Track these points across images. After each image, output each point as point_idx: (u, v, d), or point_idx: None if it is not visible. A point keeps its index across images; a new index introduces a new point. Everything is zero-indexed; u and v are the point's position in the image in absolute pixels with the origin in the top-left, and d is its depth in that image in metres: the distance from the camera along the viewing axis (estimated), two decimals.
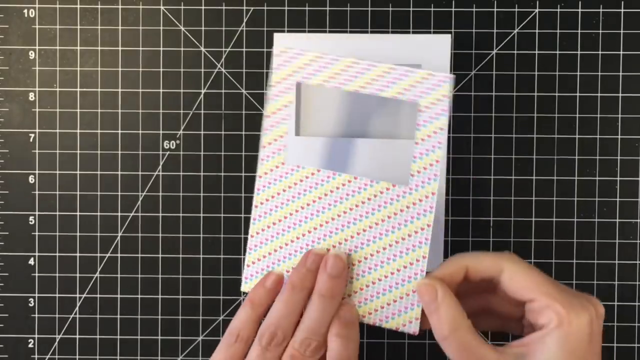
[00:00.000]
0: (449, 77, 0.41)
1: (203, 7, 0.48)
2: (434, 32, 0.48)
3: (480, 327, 0.42)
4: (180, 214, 0.48)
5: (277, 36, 0.45)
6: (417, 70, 0.41)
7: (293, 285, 0.41)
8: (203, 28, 0.48)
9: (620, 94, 0.48)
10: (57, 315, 0.49)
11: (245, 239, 0.48)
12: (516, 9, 0.48)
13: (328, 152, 0.47)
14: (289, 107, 0.43)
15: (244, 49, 0.48)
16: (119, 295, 0.49)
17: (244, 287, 0.43)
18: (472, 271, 0.40)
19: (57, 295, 0.49)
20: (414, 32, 0.47)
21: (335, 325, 0.41)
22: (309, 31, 0.48)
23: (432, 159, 0.41)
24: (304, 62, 0.43)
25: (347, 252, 0.42)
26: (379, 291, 0.42)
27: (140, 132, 0.49)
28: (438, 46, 0.45)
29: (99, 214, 0.49)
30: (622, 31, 0.48)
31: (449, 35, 0.44)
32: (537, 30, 0.48)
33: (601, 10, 0.48)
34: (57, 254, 0.49)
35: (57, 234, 0.49)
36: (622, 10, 0.48)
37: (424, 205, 0.42)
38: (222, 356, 0.41)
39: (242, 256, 0.49)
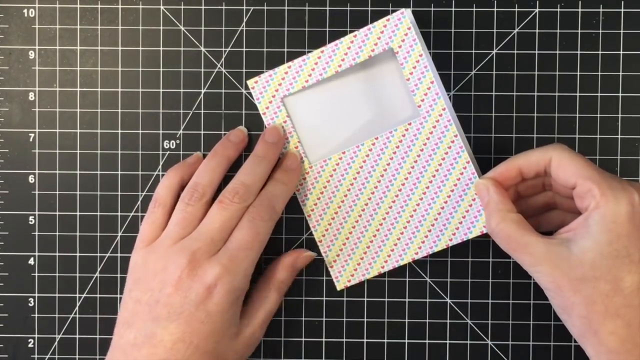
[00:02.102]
0: (403, 12, 0.45)
1: (203, 7, 0.48)
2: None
3: (545, 226, 0.45)
4: None
5: (249, 81, 0.47)
6: (375, 24, 0.45)
7: (214, 151, 0.46)
8: (203, 28, 0.48)
9: (620, 94, 0.48)
10: (57, 315, 0.49)
11: None
12: (516, 9, 0.48)
13: (337, 133, 0.48)
14: (287, 123, 0.47)
15: (244, 49, 0.48)
16: (118, 295, 0.49)
17: (339, 286, 0.48)
18: (524, 168, 0.43)
19: (57, 295, 0.49)
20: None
21: (277, 171, 0.46)
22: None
23: (427, 83, 0.45)
24: (279, 78, 0.46)
25: (405, 200, 0.46)
26: (447, 217, 0.46)
27: (140, 131, 0.49)
28: (398, 24, 0.46)
29: (98, 213, 0.49)
30: (622, 31, 0.48)
31: (404, 10, 0.45)
32: (537, 30, 0.48)
33: (601, 10, 0.48)
34: (57, 254, 0.49)
35: (57, 233, 0.49)
36: (622, 10, 0.48)
37: (443, 123, 0.45)
38: (145, 223, 0.45)
39: None
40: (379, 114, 0.47)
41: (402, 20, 0.45)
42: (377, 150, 0.46)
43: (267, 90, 0.46)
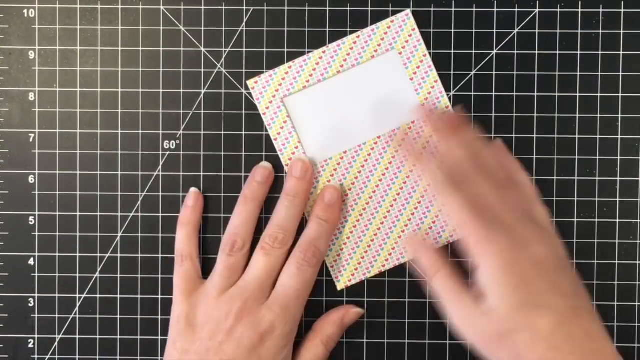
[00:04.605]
0: (408, 13, 0.45)
1: (203, 7, 0.48)
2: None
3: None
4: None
5: (249, 82, 0.47)
6: (379, 25, 0.45)
7: (245, 197, 0.46)
8: (203, 28, 0.48)
9: (620, 94, 0.48)
10: (57, 315, 0.49)
11: None
12: (516, 9, 0.48)
13: (339, 133, 0.48)
14: (287, 123, 0.47)
15: (244, 49, 0.48)
16: (118, 295, 0.49)
17: (339, 286, 0.48)
18: None
19: (57, 295, 0.49)
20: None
21: (316, 208, 0.46)
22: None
23: (431, 83, 0.45)
24: (279, 79, 0.46)
25: (407, 198, 0.46)
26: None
27: (140, 132, 0.49)
28: (403, 25, 0.46)
29: (98, 214, 0.49)
30: (622, 31, 0.48)
31: (409, 11, 0.45)
32: (537, 30, 0.48)
33: (601, 10, 0.48)
34: (57, 254, 0.49)
35: (57, 234, 0.49)
36: (622, 10, 0.48)
37: None
38: (178, 277, 0.46)
39: None
40: (380, 113, 0.47)
41: (407, 21, 0.45)
42: (379, 149, 0.46)
43: (267, 90, 0.46)
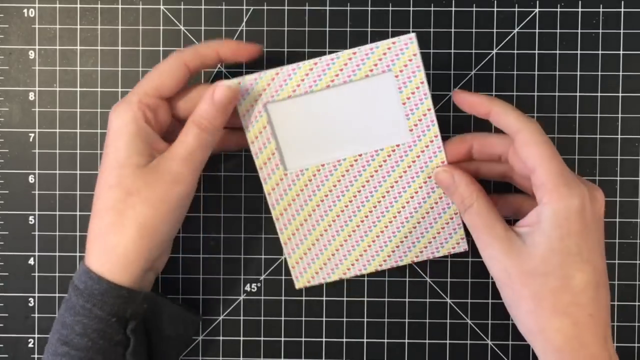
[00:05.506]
0: (412, 37, 0.43)
1: (203, 7, 0.48)
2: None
3: (501, 210, 0.44)
4: None
5: (232, 82, 0.44)
6: (379, 44, 0.43)
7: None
8: (203, 28, 0.48)
9: (620, 94, 0.48)
10: (56, 315, 0.49)
11: (246, 239, 0.48)
12: (516, 9, 0.48)
13: (318, 145, 0.46)
14: (267, 129, 0.45)
15: None
16: None
17: (298, 285, 0.47)
18: (477, 149, 0.43)
19: (57, 295, 0.49)
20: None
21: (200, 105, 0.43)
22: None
23: (424, 110, 0.44)
24: (264, 84, 0.44)
25: (379, 216, 0.46)
26: (422, 231, 0.46)
27: None
28: (404, 48, 0.43)
29: None
30: (622, 31, 0.48)
31: (413, 35, 0.42)
32: (537, 30, 0.48)
33: (601, 10, 0.48)
34: (57, 254, 0.49)
35: (57, 233, 0.49)
36: (622, 10, 0.48)
37: (432, 149, 0.44)
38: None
39: (242, 256, 0.49)
40: (366, 131, 0.45)
41: (410, 45, 0.43)
42: (358, 167, 0.45)
43: (249, 93, 0.44)
